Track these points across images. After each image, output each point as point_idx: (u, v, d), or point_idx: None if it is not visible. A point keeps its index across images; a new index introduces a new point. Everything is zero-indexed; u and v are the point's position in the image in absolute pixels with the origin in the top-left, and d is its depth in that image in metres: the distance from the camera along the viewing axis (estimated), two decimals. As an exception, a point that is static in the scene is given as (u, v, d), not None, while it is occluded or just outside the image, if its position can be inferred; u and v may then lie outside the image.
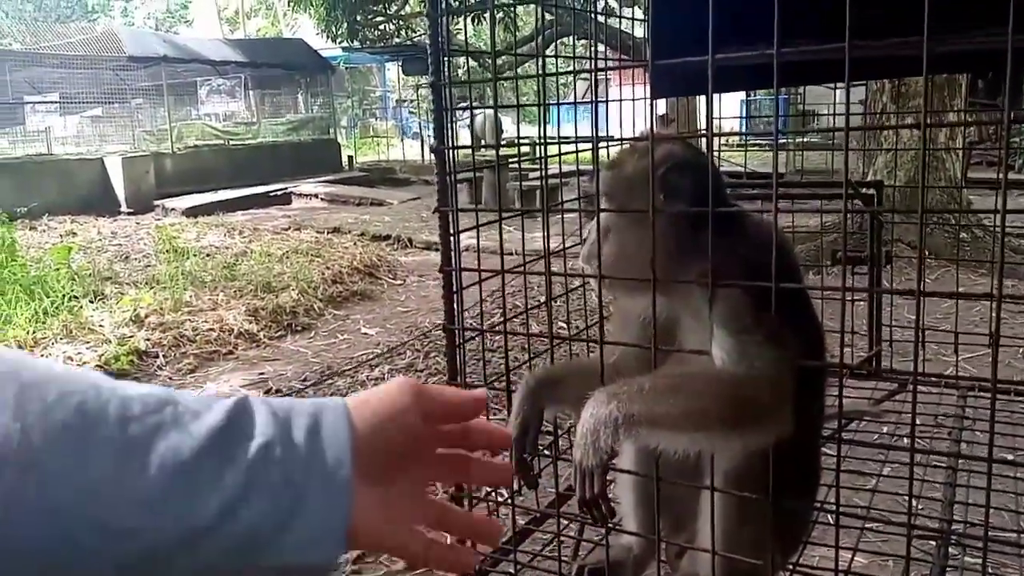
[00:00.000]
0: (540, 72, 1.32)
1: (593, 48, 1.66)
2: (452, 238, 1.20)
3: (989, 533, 1.08)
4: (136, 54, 15.98)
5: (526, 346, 1.43)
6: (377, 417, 0.63)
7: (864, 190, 1.95)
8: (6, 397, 0.47)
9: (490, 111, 14.03)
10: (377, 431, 0.63)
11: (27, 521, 0.46)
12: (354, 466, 0.59)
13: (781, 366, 0.99)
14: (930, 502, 1.66)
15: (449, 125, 1.22)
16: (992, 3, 0.90)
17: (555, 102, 1.58)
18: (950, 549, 1.28)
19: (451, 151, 1.20)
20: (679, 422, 0.98)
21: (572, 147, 1.52)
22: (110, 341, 5.47)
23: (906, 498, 1.66)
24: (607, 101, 1.96)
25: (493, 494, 1.42)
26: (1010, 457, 1.56)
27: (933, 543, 1.32)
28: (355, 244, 8.97)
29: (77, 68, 16.25)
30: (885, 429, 2.19)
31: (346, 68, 23.88)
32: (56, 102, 17.51)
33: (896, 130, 7.84)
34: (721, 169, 1.35)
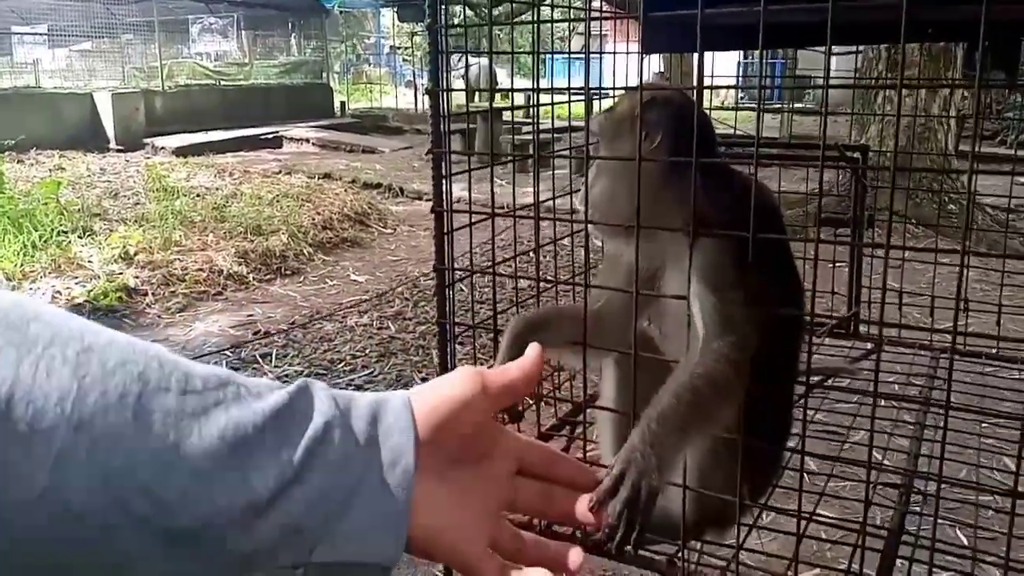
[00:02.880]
0: (535, 19, 1.33)
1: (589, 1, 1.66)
2: (444, 180, 1.22)
3: (949, 481, 1.13)
4: (127, -12, 15.67)
5: (514, 295, 1.46)
6: (442, 407, 0.60)
7: (850, 154, 1.98)
8: (67, 355, 0.46)
9: (485, 61, 13.94)
10: (442, 422, 0.60)
11: (78, 482, 0.45)
12: (417, 456, 0.57)
13: (749, 329, 1.05)
14: (900, 454, 1.72)
15: (444, 68, 1.24)
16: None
17: (549, 54, 1.59)
18: (912, 497, 1.34)
19: (445, 93, 1.22)
20: (694, 436, 1.05)
21: (564, 99, 1.54)
22: (99, 277, 5.49)
23: (876, 448, 1.73)
24: (600, 54, 1.97)
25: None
26: (967, 415, 1.62)
27: (897, 491, 1.38)
28: (346, 191, 8.95)
29: (67, 0, 15.91)
30: (860, 386, 2.24)
31: (341, 12, 23.46)
32: (44, 34, 17.18)
33: (890, 98, 7.85)
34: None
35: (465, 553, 0.61)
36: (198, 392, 0.50)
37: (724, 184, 1.12)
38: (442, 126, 1.23)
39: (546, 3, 1.47)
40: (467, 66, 11.44)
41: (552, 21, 1.70)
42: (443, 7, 1.21)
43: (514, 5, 1.52)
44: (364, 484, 0.55)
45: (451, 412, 0.60)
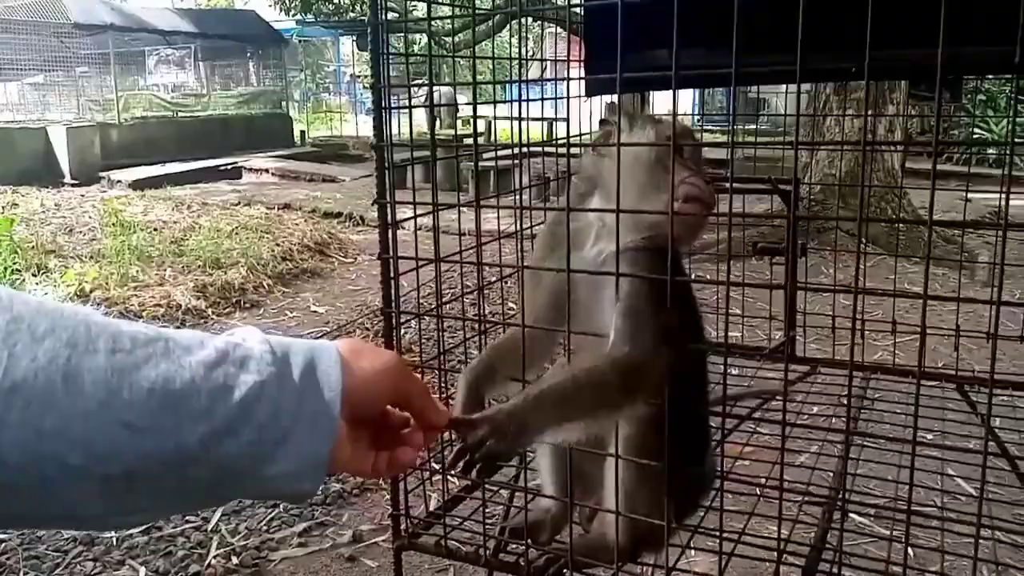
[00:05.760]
0: (473, 55, 1.43)
1: (522, 39, 1.76)
2: (389, 229, 1.30)
3: (862, 498, 1.23)
4: (81, 21, 15.55)
5: (462, 328, 1.54)
6: (368, 373, 0.69)
7: (783, 186, 2.10)
8: None
9: (445, 89, 14.11)
10: (365, 386, 0.69)
11: (13, 439, 0.49)
12: (342, 410, 0.65)
13: (656, 355, 1.14)
14: (829, 473, 1.81)
15: (388, 123, 1.32)
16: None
17: (492, 83, 1.69)
18: (834, 514, 1.43)
19: (390, 148, 1.30)
20: (565, 422, 1.15)
21: (517, 130, 1.62)
22: (55, 315, 5.44)
23: (807, 469, 1.83)
24: (542, 82, 2.07)
25: (429, 462, 1.53)
26: (892, 434, 1.73)
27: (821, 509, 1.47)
28: (306, 221, 8.96)
29: (18, 33, 15.74)
30: (794, 408, 2.35)
31: (299, 41, 23.52)
32: (-5, 67, 16.97)
33: (837, 120, 8.13)
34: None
35: (358, 466, 0.74)
36: (127, 351, 0.54)
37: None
38: (388, 178, 1.31)
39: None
40: (429, 92, 11.57)
41: (493, 57, 1.81)
42: (387, 68, 1.29)
43: (474, 33, 1.60)
44: (293, 436, 0.61)
45: (376, 376, 0.70)
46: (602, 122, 1.30)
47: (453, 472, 1.06)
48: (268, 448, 0.60)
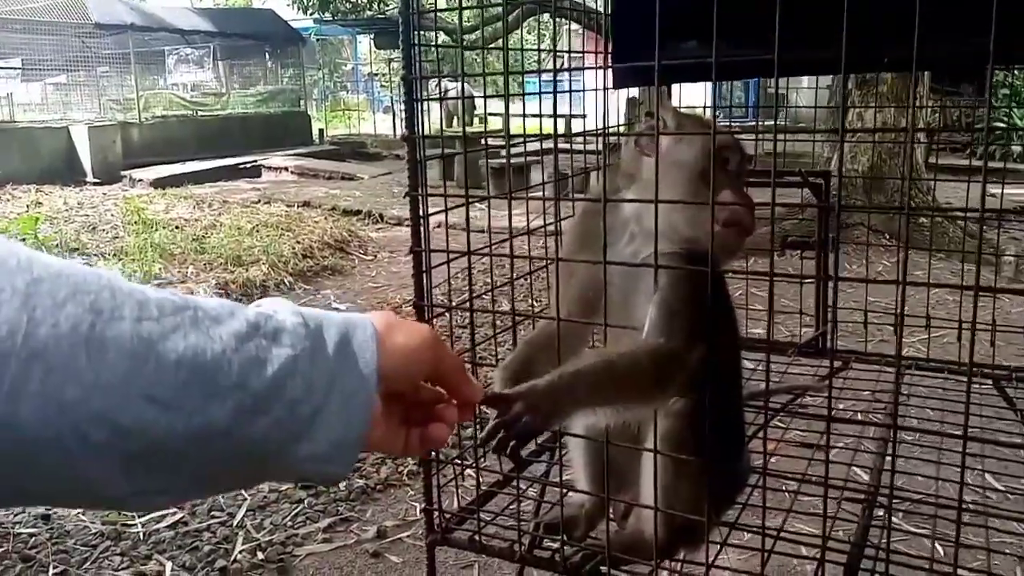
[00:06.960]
0: (505, 47, 1.41)
1: (553, 32, 1.74)
2: (422, 221, 1.29)
3: (906, 495, 1.20)
4: (103, 21, 15.67)
5: (492, 322, 1.53)
6: (404, 348, 0.66)
7: (813, 179, 2.07)
8: (16, 287, 0.46)
9: (463, 88, 14.10)
10: (401, 361, 0.65)
11: (32, 411, 0.45)
12: (378, 387, 0.62)
13: (690, 349, 1.13)
14: (867, 468, 1.78)
15: (420, 115, 1.30)
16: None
17: (520, 73, 1.67)
18: (875, 511, 1.41)
19: (421, 141, 1.28)
20: (598, 403, 1.14)
21: (537, 126, 1.61)
22: (79, 313, 5.48)
23: (842, 465, 1.80)
24: (570, 74, 2.04)
25: (460, 458, 1.52)
26: (924, 429, 1.69)
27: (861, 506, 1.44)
28: (325, 218, 8.98)
29: (41, 33, 15.90)
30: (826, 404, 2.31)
31: (317, 40, 23.61)
32: (18, 68, 17.14)
33: (860, 114, 8.04)
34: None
35: (390, 448, 0.72)
36: (154, 319, 0.51)
37: None
38: (419, 170, 1.30)
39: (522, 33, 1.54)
40: (445, 91, 11.55)
41: (522, 49, 1.79)
42: (418, 59, 1.28)
43: (506, 24, 1.59)
44: (325, 414, 0.58)
45: (411, 353, 0.67)
46: (648, 114, 1.27)
47: (487, 448, 1.04)
48: (299, 427, 0.57)
